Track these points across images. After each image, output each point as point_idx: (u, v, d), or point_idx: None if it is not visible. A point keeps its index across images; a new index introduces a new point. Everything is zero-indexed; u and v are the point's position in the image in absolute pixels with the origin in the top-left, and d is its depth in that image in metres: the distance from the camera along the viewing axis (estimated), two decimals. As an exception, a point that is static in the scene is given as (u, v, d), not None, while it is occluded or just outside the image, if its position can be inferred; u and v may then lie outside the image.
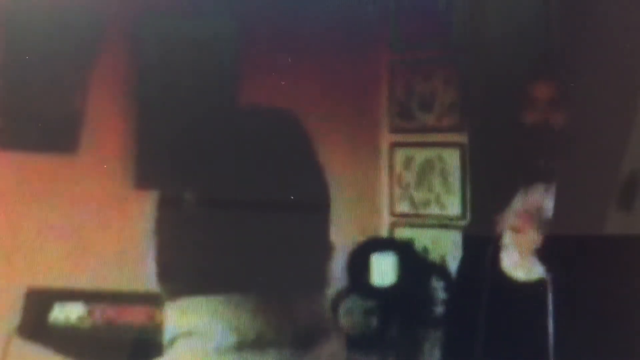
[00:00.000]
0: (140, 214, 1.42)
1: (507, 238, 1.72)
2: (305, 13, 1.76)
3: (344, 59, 1.92)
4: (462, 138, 2.06)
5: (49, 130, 1.64)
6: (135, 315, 1.33)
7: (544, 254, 1.68)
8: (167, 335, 0.75)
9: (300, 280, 0.74)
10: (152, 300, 1.31)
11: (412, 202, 1.96)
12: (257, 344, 0.72)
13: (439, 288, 1.89)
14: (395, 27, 2.09)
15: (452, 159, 2.09)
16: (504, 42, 2.01)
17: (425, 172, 2.12)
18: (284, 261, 0.74)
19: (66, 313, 1.39)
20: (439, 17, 2.07)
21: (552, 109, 1.82)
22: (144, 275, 1.29)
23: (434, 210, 1.94)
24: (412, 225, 1.92)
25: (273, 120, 0.79)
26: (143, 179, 1.60)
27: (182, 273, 0.75)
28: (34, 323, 1.42)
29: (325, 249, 0.77)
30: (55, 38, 1.67)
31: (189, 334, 0.74)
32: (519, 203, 1.82)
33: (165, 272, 0.76)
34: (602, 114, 1.79)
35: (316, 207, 0.78)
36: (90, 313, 1.38)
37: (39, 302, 1.42)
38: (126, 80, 1.73)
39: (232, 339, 0.73)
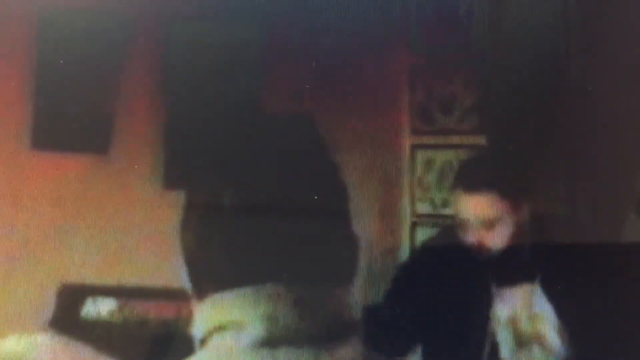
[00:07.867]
0: (169, 213, 1.45)
1: None
2: (328, 18, 1.78)
3: (365, 63, 1.95)
4: (482, 140, 2.08)
5: (81, 131, 1.66)
6: (165, 311, 1.36)
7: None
8: (199, 331, 0.77)
9: (328, 272, 0.77)
10: (181, 296, 1.34)
11: (433, 203, 1.97)
12: (288, 335, 0.75)
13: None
14: (415, 30, 2.11)
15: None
16: (524, 45, 2.03)
17: (445, 173, 2.14)
18: (312, 255, 0.77)
19: (98, 308, 1.41)
20: (459, 20, 2.09)
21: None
22: (173, 271, 1.32)
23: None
24: (433, 225, 1.93)
25: (293, 125, 0.81)
26: (172, 179, 1.63)
27: (212, 271, 0.77)
28: (66, 317, 1.45)
29: (350, 242, 0.80)
30: (87, 41, 1.70)
31: (221, 328, 0.76)
32: None
33: (196, 270, 0.78)
34: (620, 116, 1.79)
35: (336, 206, 0.81)
36: (121, 308, 1.41)
37: (71, 297, 1.45)
38: (156, 82, 1.75)
39: (263, 331, 0.75)
